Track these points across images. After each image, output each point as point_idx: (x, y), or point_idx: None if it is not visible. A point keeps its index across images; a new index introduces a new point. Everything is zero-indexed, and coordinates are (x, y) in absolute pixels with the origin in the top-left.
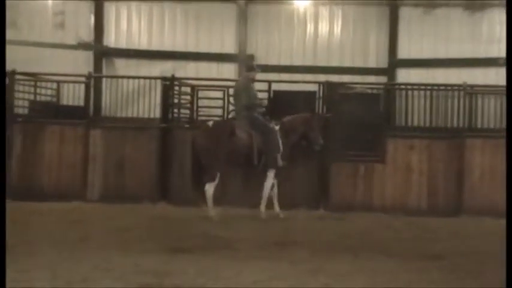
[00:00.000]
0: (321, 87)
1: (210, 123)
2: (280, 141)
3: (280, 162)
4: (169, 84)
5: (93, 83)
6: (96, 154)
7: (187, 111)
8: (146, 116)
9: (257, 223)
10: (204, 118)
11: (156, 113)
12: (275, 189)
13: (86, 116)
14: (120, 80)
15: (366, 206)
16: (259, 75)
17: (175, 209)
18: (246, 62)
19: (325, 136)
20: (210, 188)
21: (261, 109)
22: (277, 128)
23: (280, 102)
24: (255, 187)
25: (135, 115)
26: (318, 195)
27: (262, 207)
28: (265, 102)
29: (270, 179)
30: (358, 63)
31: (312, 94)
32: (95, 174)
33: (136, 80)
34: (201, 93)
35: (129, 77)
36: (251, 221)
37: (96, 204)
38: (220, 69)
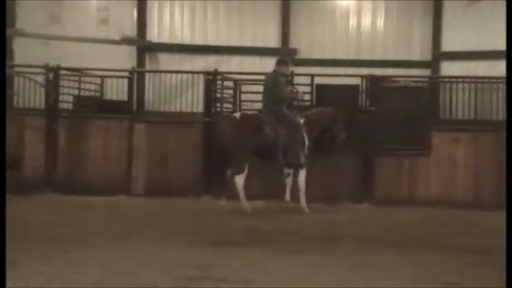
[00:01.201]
0: (364, 80)
1: (237, 115)
2: (305, 136)
3: (302, 160)
4: (212, 78)
5: (136, 77)
6: (140, 148)
7: (230, 106)
8: (189, 110)
9: (300, 216)
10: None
11: (199, 107)
12: (290, 180)
13: (130, 110)
14: (163, 74)
15: (411, 199)
16: (302, 69)
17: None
18: (280, 56)
19: (369, 130)
20: (239, 180)
21: (294, 102)
22: (302, 121)
23: (323, 96)
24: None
25: (178, 109)
26: (362, 189)
27: (303, 203)
28: (302, 95)
29: (303, 175)
30: (402, 56)
31: (355, 88)
32: (139, 168)
33: (179, 75)
34: (243, 88)
35: (171, 72)
36: (294, 215)
37: (140, 198)
38: (263, 63)
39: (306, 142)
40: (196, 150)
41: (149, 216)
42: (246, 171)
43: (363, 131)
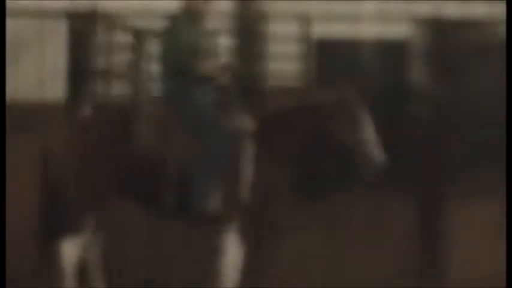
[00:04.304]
0: (421, 30)
1: (88, 110)
2: (247, 156)
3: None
4: (86, 24)
5: None
6: None
7: (127, 85)
8: (34, 96)
9: None
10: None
11: (57, 87)
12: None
13: None
14: None
15: None
16: (283, 4)
17: None
18: None
19: (432, 138)
20: (68, 249)
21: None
22: (246, 127)
23: (331, 65)
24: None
25: (10, 95)
26: (423, 266)
27: None
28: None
29: (231, 249)
30: None
31: (399, 47)
32: None
33: (13, 20)
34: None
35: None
36: None
37: None
38: None
39: (248, 171)
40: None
41: None
42: (84, 231)
43: (419, 140)
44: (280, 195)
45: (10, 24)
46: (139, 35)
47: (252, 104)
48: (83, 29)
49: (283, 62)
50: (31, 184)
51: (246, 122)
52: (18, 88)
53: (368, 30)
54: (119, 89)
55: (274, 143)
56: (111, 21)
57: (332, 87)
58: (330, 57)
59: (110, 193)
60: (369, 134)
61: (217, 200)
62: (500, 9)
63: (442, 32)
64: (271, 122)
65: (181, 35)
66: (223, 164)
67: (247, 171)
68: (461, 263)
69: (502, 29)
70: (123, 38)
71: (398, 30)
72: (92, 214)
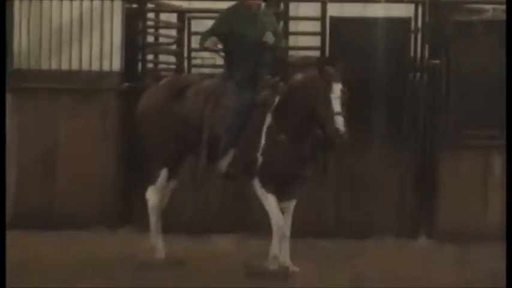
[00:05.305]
0: (421, 10)
1: (164, 80)
2: (264, 126)
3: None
4: (137, 8)
5: None
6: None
7: (172, 59)
8: (96, 68)
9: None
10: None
11: (115, 62)
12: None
13: None
14: (45, 3)
15: (503, 229)
16: None
17: (147, 239)
18: None
19: (431, 103)
20: (152, 195)
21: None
22: (267, 100)
23: (343, 39)
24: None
25: (75, 67)
26: (417, 214)
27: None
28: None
29: (261, 197)
30: None
31: (402, 24)
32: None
33: (75, 3)
34: (196, 24)
35: None
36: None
37: (10, 232)
38: None
39: (263, 139)
40: (108, 144)
41: (26, 264)
42: (162, 181)
43: (419, 105)
44: (290, 158)
45: (75, 5)
46: (183, 15)
47: (278, 77)
48: (134, 9)
49: (304, 37)
50: (102, 141)
51: (266, 97)
52: (82, 60)
53: (378, 10)
54: (165, 63)
55: (281, 115)
56: (159, 3)
57: (321, 65)
58: (343, 33)
59: (178, 150)
60: (336, 108)
61: (231, 161)
62: None
63: (441, 12)
64: (280, 98)
65: (218, 23)
66: (242, 131)
67: (263, 138)
68: (448, 207)
69: (488, 11)
70: (169, 17)
71: (402, 11)
72: (165, 167)
